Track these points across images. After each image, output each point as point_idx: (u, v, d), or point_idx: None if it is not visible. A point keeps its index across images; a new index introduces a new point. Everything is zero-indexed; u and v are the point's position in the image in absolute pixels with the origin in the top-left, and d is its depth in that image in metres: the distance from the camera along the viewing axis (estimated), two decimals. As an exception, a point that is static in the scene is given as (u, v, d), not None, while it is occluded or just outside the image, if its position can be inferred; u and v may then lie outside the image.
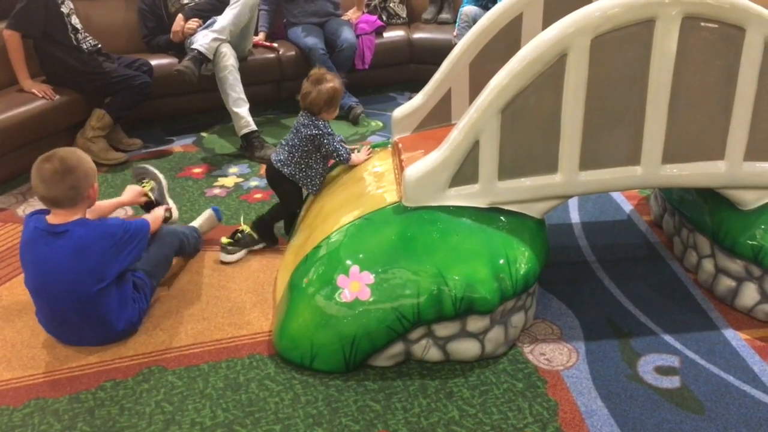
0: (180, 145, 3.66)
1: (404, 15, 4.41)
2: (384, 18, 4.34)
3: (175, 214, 2.58)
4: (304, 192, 2.50)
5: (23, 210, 2.98)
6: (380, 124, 3.87)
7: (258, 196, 3.01)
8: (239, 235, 2.50)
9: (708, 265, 2.13)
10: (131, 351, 2.00)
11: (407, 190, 1.92)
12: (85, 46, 3.35)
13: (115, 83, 3.35)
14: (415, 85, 4.34)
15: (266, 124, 3.89)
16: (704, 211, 2.12)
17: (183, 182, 3.18)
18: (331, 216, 2.17)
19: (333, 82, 2.39)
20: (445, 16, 4.33)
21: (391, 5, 4.36)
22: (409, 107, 2.39)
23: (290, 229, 2.54)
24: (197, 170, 3.31)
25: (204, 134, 3.80)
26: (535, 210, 1.95)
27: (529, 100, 1.81)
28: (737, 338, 1.95)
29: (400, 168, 2.17)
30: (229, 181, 3.17)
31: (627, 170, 1.90)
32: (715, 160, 1.89)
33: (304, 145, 2.38)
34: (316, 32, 3.96)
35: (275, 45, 3.97)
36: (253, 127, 3.40)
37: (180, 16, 3.66)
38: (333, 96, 2.38)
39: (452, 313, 1.79)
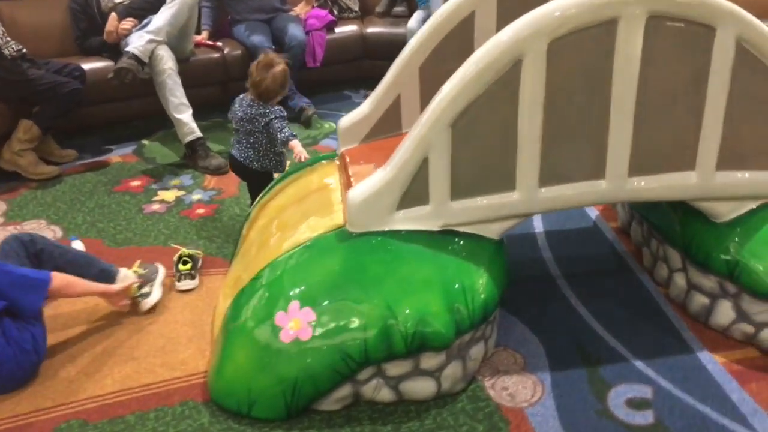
0: (119, 154, 3.41)
1: (356, 9, 4.19)
2: (335, 12, 4.12)
3: (154, 297, 2.16)
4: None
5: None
6: (334, 126, 3.65)
7: (200, 211, 2.79)
8: (187, 258, 2.29)
9: (680, 280, 1.98)
10: (49, 402, 1.79)
11: (351, 214, 1.73)
12: (6, 52, 3.08)
13: (42, 91, 3.09)
14: (370, 81, 4.10)
15: (213, 129, 3.65)
16: (674, 221, 1.97)
17: (119, 197, 2.94)
18: (272, 240, 1.97)
19: (282, 63, 2.41)
20: (399, 9, 4.13)
21: (342, -1, 4.15)
22: (356, 116, 2.19)
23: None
24: (136, 183, 3.08)
25: (145, 142, 3.55)
26: (492, 231, 1.77)
27: (481, 112, 1.63)
28: (713, 362, 1.80)
29: (347, 185, 1.98)
30: (170, 195, 2.94)
31: (591, 185, 1.73)
32: (685, 171, 1.74)
33: (264, 134, 2.38)
34: (263, 29, 3.73)
35: (219, 44, 3.74)
36: (198, 134, 3.17)
37: (113, 15, 3.39)
38: (286, 78, 2.41)
39: (403, 351, 1.61)
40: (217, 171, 3.11)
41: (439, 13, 2.07)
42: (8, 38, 3.15)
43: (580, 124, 1.67)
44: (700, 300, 1.91)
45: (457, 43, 2.08)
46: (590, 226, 2.50)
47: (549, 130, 1.66)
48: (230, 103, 2.50)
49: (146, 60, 3.12)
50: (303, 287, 1.68)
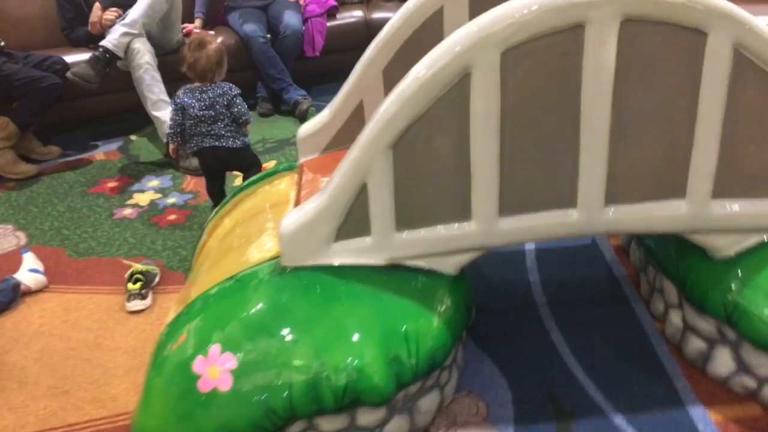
0: (104, 151, 3.28)
1: (361, -8, 3.94)
2: (338, -3, 3.88)
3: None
4: None
5: None
6: (330, 119, 3.44)
7: (172, 217, 2.63)
8: (139, 275, 2.13)
9: (675, 318, 1.72)
10: (-38, 439, 1.66)
11: (283, 246, 1.52)
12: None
13: (18, 87, 2.97)
14: (375, 71, 3.91)
15: (204, 123, 3.48)
16: (670, 249, 1.71)
17: (93, 200, 2.81)
18: (212, 266, 1.79)
19: (215, 42, 2.42)
20: (407, -8, 3.85)
21: (346, -18, 3.89)
22: (316, 124, 1.98)
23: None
24: (112, 184, 2.94)
25: (133, 137, 3.41)
26: (446, 265, 1.54)
27: (426, 132, 1.39)
28: (706, 420, 1.55)
29: (297, 199, 1.78)
30: (145, 198, 2.79)
31: (560, 215, 1.48)
32: (674, 199, 1.47)
33: (228, 115, 2.37)
34: (258, 17, 3.53)
35: (211, 33, 3.54)
36: (178, 132, 3.00)
37: (97, 5, 3.25)
38: (221, 56, 2.40)
39: (334, 406, 1.41)
40: (197, 172, 2.93)
41: (404, 10, 1.82)
42: (-15, 32, 3.02)
43: (545, 146, 1.42)
44: (696, 344, 1.65)
45: (425, 42, 1.81)
46: (588, 243, 2.23)
47: (507, 151, 1.41)
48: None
49: (121, 54, 2.96)
50: (226, 329, 1.48)
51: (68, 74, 2.88)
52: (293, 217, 1.51)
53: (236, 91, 2.41)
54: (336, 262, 1.51)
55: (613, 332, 1.84)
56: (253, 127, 2.98)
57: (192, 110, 2.36)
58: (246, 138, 2.47)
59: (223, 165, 2.48)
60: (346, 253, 1.51)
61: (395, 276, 1.52)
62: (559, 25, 1.30)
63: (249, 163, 2.51)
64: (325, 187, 1.49)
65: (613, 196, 1.46)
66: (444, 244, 1.51)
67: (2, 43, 3.07)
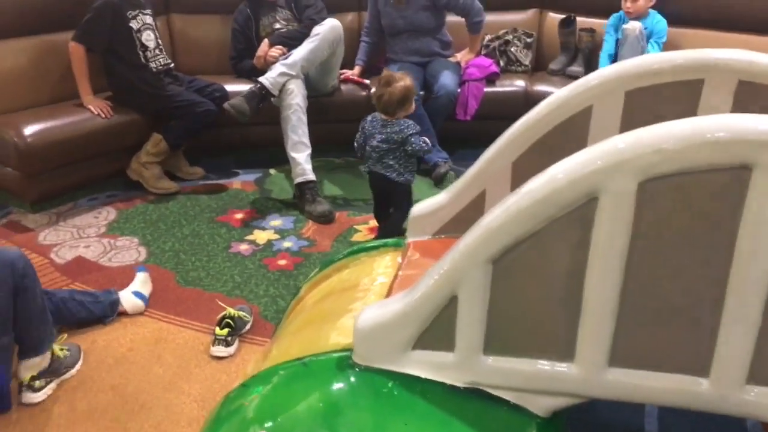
0: (241, 181, 3.35)
1: (527, 62, 3.77)
2: (502, 64, 3.74)
3: (40, 397, 1.90)
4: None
5: (44, 237, 2.81)
6: (466, 188, 3.29)
7: (282, 262, 2.59)
8: (229, 320, 2.10)
9: None
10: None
11: (357, 342, 1.38)
12: (153, 65, 3.14)
13: (175, 108, 3.11)
14: (526, 144, 3.72)
15: (343, 168, 3.49)
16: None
17: (216, 229, 2.85)
18: (299, 329, 1.70)
19: (404, 80, 2.57)
20: (575, 69, 3.64)
21: (512, 50, 3.75)
22: (432, 205, 1.84)
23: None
24: (239, 216, 2.97)
25: (272, 171, 3.47)
26: (537, 405, 1.32)
27: (535, 253, 1.20)
28: None
29: (390, 286, 1.65)
30: (263, 237, 2.79)
31: (685, 381, 1.21)
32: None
33: (398, 149, 2.55)
34: (415, 72, 3.46)
35: (367, 82, 3.55)
36: (309, 176, 3.00)
37: (266, 41, 3.36)
38: (405, 95, 2.56)
39: None
40: (320, 218, 2.90)
41: (547, 102, 1.64)
42: (160, 52, 3.21)
43: (678, 297, 1.17)
44: None
45: (565, 141, 1.64)
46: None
47: (629, 294, 1.18)
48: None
49: (275, 93, 3.02)
50: (277, 420, 1.37)
51: (225, 105, 2.98)
52: (373, 314, 1.36)
53: (413, 130, 2.57)
54: (411, 372, 1.35)
55: None
56: None
57: (372, 140, 2.60)
58: (411, 176, 2.64)
59: (382, 192, 2.70)
60: (423, 365, 1.34)
61: (474, 404, 1.32)
62: (718, 163, 1.07)
63: (402, 201, 2.66)
64: (414, 288, 1.33)
65: (758, 374, 1.17)
66: (537, 381, 1.29)
67: (172, 65, 3.25)
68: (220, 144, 3.58)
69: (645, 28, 3.31)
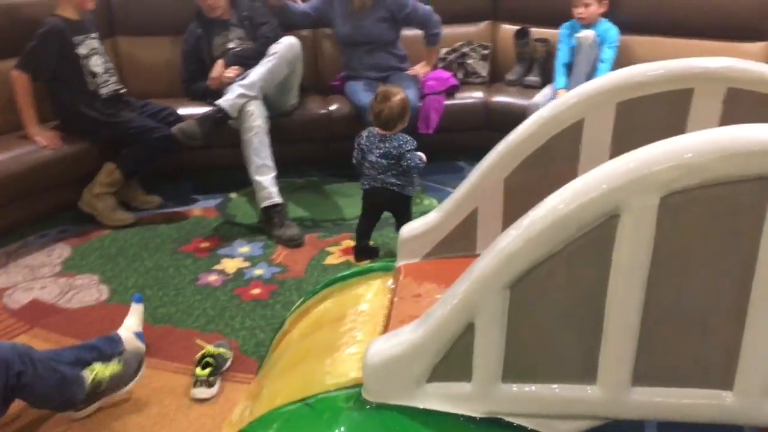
0: (201, 207, 3.23)
1: (484, 74, 3.78)
2: (460, 76, 3.74)
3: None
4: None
5: (-5, 277, 2.62)
6: (435, 203, 3.26)
7: (256, 291, 2.49)
8: (210, 359, 1.99)
9: None
10: None
11: (367, 379, 1.31)
12: (104, 91, 3.00)
13: (130, 135, 2.98)
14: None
15: (307, 189, 3.40)
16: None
17: (181, 260, 2.73)
18: (291, 367, 1.61)
19: (399, 93, 2.62)
20: (532, 78, 3.66)
21: (469, 62, 3.75)
22: (422, 225, 1.78)
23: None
24: (204, 244, 2.86)
25: (233, 195, 3.36)
26: (557, 430, 1.28)
27: (553, 276, 1.16)
28: None
29: (388, 314, 1.58)
30: (232, 265, 2.68)
31: (709, 395, 1.19)
32: None
33: (396, 164, 2.58)
34: (374, 89, 3.41)
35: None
36: (276, 199, 2.91)
37: (220, 62, 3.25)
38: (404, 107, 2.61)
39: None
40: (290, 242, 2.82)
41: (539, 116, 1.62)
42: (110, 77, 3.07)
43: (700, 311, 1.15)
44: None
45: (557, 154, 1.62)
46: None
47: (652, 311, 1.15)
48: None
49: (234, 115, 2.92)
50: (287, 467, 1.28)
51: (174, 129, 2.86)
52: (384, 346, 1.30)
53: (411, 146, 2.59)
54: (426, 406, 1.29)
55: None
56: (354, 202, 3.09)
57: (370, 155, 2.61)
58: (413, 189, 2.69)
59: (385, 206, 2.72)
60: (439, 398, 1.28)
61: (494, 434, 1.27)
62: (739, 175, 1.05)
63: (408, 213, 2.69)
64: (425, 317, 1.28)
65: (783, 386, 1.16)
66: (559, 406, 1.25)
67: (123, 90, 3.11)
68: (175, 170, 3.45)
69: (597, 36, 3.36)
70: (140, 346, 2.04)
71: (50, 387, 1.69)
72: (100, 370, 1.82)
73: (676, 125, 1.58)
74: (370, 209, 2.73)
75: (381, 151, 2.58)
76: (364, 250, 2.74)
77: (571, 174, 1.67)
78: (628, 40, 3.49)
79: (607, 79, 1.56)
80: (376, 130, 2.63)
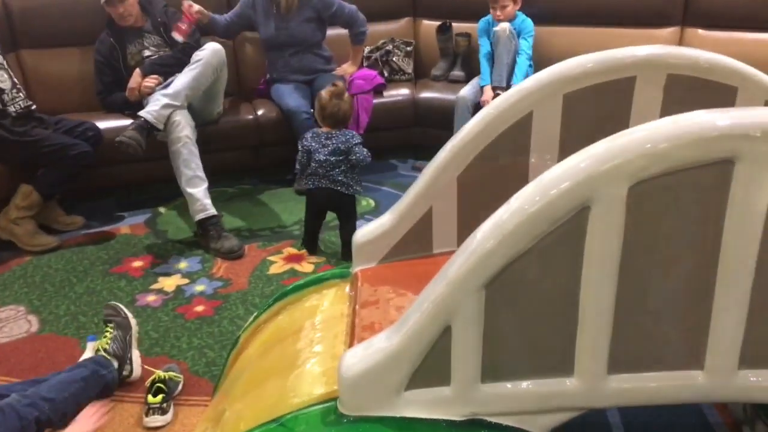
0: (129, 224, 3.07)
1: (410, 70, 3.79)
2: (386, 74, 3.73)
3: (137, 371, 2.00)
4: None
5: None
6: (372, 203, 3.24)
7: (199, 308, 2.39)
8: (160, 384, 1.89)
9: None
10: None
11: (343, 392, 1.27)
12: (12, 109, 2.81)
13: (46, 153, 2.80)
14: (420, 150, 3.74)
15: (239, 197, 3.30)
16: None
17: (115, 282, 2.59)
18: (253, 387, 1.55)
19: (345, 90, 2.67)
20: (457, 73, 3.69)
21: (394, 59, 3.75)
22: (376, 229, 1.75)
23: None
24: (137, 264, 2.72)
25: (162, 209, 3.22)
26: (537, 425, 1.28)
27: (527, 271, 1.16)
28: None
29: (352, 324, 1.54)
30: (171, 283, 2.56)
31: (682, 377, 1.23)
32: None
33: (344, 161, 2.58)
34: (302, 92, 3.37)
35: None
36: (211, 211, 2.80)
37: (137, 71, 3.10)
38: (351, 104, 2.72)
39: None
40: (229, 255, 2.72)
41: (485, 113, 1.62)
42: (17, 93, 2.87)
43: (670, 295, 1.18)
44: None
45: (508, 149, 1.62)
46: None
47: (624, 300, 1.17)
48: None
49: (161, 127, 2.78)
50: (265, 493, 1.23)
51: (119, 138, 2.67)
52: (358, 358, 1.26)
53: (357, 140, 2.61)
54: (406, 414, 1.26)
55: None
56: (290, 208, 3.15)
57: (317, 155, 2.58)
58: (359, 188, 2.69)
59: (331, 206, 2.71)
60: (419, 404, 1.26)
61: (475, 435, 1.26)
62: (703, 159, 1.08)
63: (353, 213, 2.73)
64: (400, 324, 1.25)
65: (749, 359, 1.20)
66: (538, 401, 1.25)
67: (33, 106, 2.92)
68: (95, 186, 3.26)
69: (513, 28, 3.42)
70: None
71: (72, 403, 1.66)
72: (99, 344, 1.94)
73: (621, 113, 1.61)
74: (316, 209, 2.72)
75: (329, 149, 2.58)
76: (315, 242, 2.77)
77: (522, 167, 1.70)
78: (544, 31, 3.57)
79: (552, 70, 1.58)
80: (322, 129, 2.64)
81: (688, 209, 1.12)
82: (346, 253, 2.69)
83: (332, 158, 2.57)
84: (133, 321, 2.09)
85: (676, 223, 1.13)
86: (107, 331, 2.00)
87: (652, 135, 1.08)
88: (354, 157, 2.57)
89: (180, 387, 1.95)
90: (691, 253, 1.15)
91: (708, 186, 1.10)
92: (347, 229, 2.66)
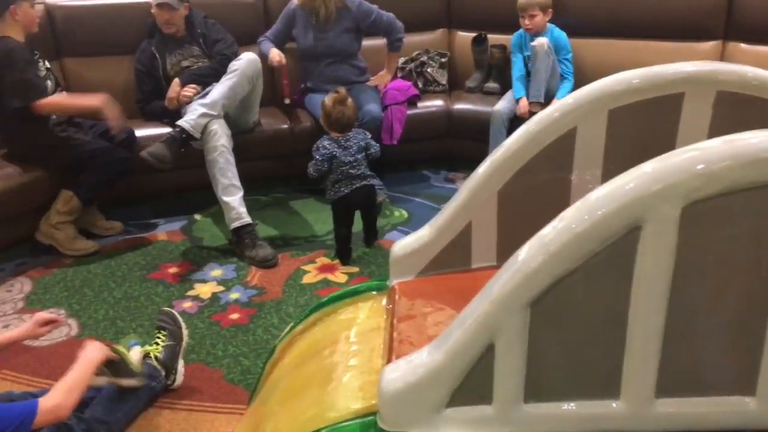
0: (165, 230, 3.11)
1: (444, 82, 3.79)
2: (420, 85, 3.73)
3: (179, 380, 2.03)
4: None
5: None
6: (405, 214, 3.23)
7: (234, 316, 2.41)
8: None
9: None
10: None
11: (383, 408, 1.26)
12: (54, 115, 2.85)
13: (86, 159, 2.84)
14: (453, 162, 3.72)
15: (271, 206, 3.32)
16: None
17: (152, 288, 2.62)
18: (290, 397, 1.55)
19: (347, 96, 2.74)
20: (492, 85, 3.68)
21: (429, 70, 3.75)
22: (414, 242, 1.74)
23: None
24: (174, 270, 2.75)
25: (197, 217, 3.25)
26: (581, 447, 1.25)
27: (574, 291, 1.14)
28: None
29: (390, 338, 1.53)
30: (206, 290, 2.58)
31: (732, 402, 1.19)
32: None
33: (366, 155, 2.72)
34: (337, 101, 3.38)
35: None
36: (246, 219, 2.82)
37: (176, 81, 3.15)
38: (355, 109, 2.78)
39: None
40: (264, 263, 2.74)
41: (527, 127, 1.60)
42: (55, 98, 2.92)
43: (721, 319, 1.15)
44: None
45: (550, 165, 1.61)
46: None
47: (675, 322, 1.14)
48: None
49: (197, 135, 2.82)
50: (308, 506, 1.22)
51: (143, 153, 2.74)
52: (399, 373, 1.25)
53: (369, 135, 2.79)
54: (446, 431, 1.25)
55: None
56: (323, 218, 3.15)
57: (345, 158, 2.66)
58: (378, 181, 2.84)
59: (368, 203, 2.78)
60: (459, 423, 1.24)
61: (517, 456, 1.24)
62: (760, 180, 1.05)
63: (378, 206, 2.94)
64: (442, 340, 1.24)
65: (803, 387, 1.17)
66: (581, 423, 1.22)
67: (71, 112, 2.97)
68: (133, 193, 3.31)
69: (550, 43, 3.39)
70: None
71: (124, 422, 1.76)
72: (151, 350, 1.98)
73: (667, 130, 1.59)
74: (347, 212, 2.76)
75: (354, 149, 2.67)
76: (348, 250, 2.80)
77: (564, 184, 1.68)
78: (577, 43, 3.53)
79: (598, 85, 1.56)
80: (334, 134, 2.71)
81: (742, 231, 1.10)
82: (370, 241, 2.88)
83: (359, 156, 2.67)
84: (185, 332, 2.09)
85: (730, 245, 1.11)
86: (159, 338, 2.01)
87: (706, 155, 1.06)
88: (372, 151, 2.72)
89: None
90: (744, 276, 1.12)
91: (763, 208, 1.08)
92: (374, 222, 2.87)
